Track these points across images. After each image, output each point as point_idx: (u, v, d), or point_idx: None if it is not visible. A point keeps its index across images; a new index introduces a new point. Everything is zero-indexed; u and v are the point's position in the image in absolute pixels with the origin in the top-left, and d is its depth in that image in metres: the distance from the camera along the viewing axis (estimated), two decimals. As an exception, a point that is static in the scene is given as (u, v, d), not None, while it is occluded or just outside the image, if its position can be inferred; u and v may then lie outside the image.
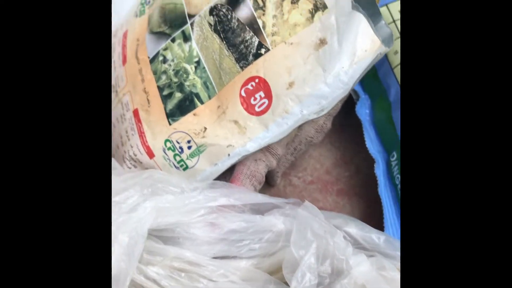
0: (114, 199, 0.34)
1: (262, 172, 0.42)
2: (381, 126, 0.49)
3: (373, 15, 0.36)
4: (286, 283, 0.38)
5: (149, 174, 0.37)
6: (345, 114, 0.50)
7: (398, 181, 0.45)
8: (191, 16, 0.43)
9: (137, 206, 0.35)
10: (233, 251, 0.39)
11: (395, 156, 0.46)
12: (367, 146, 0.47)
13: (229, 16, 0.40)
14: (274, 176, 0.48)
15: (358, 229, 0.37)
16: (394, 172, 0.46)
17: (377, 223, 0.47)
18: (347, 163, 0.53)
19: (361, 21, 0.35)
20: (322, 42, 0.36)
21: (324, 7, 0.36)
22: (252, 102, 0.39)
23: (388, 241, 0.36)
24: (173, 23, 0.44)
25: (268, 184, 0.51)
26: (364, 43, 0.35)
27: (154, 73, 0.44)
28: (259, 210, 0.41)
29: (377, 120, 0.49)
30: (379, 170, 0.46)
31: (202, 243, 0.39)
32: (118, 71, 0.49)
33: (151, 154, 0.44)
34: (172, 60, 0.43)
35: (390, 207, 0.45)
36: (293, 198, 0.41)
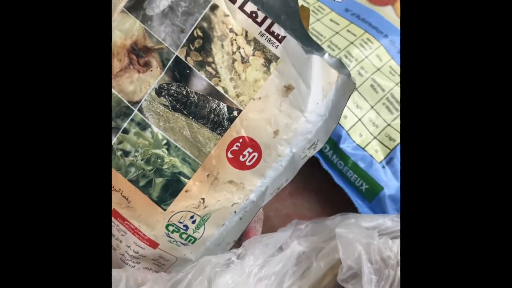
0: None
1: (262, 212, 0.47)
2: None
3: (318, 51, 0.41)
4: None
5: (206, 266, 0.39)
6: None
7: (341, 166, 0.54)
8: (132, 103, 0.43)
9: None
10: None
11: (328, 147, 0.54)
12: None
13: (184, 92, 0.42)
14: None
15: (367, 221, 0.45)
16: (334, 160, 0.54)
17: (335, 205, 0.55)
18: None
19: (318, 61, 0.40)
20: (288, 88, 0.41)
21: (276, 58, 0.41)
22: (241, 159, 0.42)
23: (394, 221, 0.45)
24: (114, 115, 0.43)
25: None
26: (326, 77, 0.41)
27: (118, 169, 0.44)
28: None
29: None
30: (326, 165, 0.54)
31: (258, 297, 0.42)
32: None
33: (154, 245, 0.45)
34: (136, 151, 0.43)
35: (352, 191, 0.53)
36: (295, 220, 0.47)
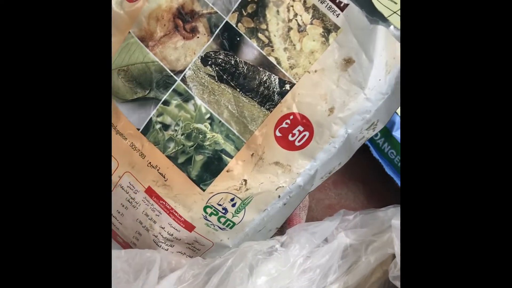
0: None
1: (308, 198, 0.43)
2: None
3: (383, 21, 0.37)
4: None
5: (248, 252, 0.35)
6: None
7: (392, 155, 0.49)
8: (175, 72, 0.39)
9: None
10: (323, 282, 0.40)
11: (379, 134, 0.50)
12: None
13: (232, 62, 0.38)
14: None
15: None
16: (385, 149, 0.50)
17: (382, 197, 0.51)
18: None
19: (383, 33, 0.36)
20: (348, 61, 0.37)
21: (336, 27, 0.37)
22: (290, 138, 0.39)
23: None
24: (155, 85, 0.40)
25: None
26: (391, 51, 0.37)
27: (156, 144, 0.40)
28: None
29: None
30: (376, 154, 0.50)
31: (300, 290, 0.39)
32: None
33: (190, 228, 0.41)
34: (177, 125, 0.40)
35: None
36: (342, 210, 0.43)
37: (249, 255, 0.34)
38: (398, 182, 0.49)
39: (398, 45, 0.37)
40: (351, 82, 0.37)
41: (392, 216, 0.40)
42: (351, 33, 0.36)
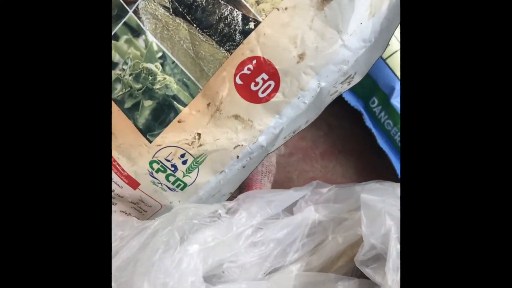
0: (154, 258, 0.27)
1: (275, 163, 0.37)
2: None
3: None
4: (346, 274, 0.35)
5: (180, 214, 0.29)
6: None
7: (389, 127, 0.42)
8: (129, 2, 0.34)
9: (182, 258, 0.28)
10: (280, 261, 0.34)
11: (376, 101, 0.43)
12: (346, 100, 0.43)
13: (190, -8, 0.32)
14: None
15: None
16: (382, 119, 0.43)
17: (375, 173, 0.44)
18: (317, 122, 0.49)
19: (370, -37, 0.29)
20: (326, -2, 0.30)
21: (314, -45, 0.30)
22: (253, 88, 0.32)
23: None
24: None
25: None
26: (378, -11, 0.30)
27: (102, 84, 0.35)
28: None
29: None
30: (370, 123, 0.43)
31: (250, 267, 0.33)
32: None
33: (134, 184, 0.36)
34: (125, 63, 0.34)
35: (397, 157, 0.42)
36: (315, 181, 0.37)
37: (179, 218, 0.28)
38: (392, 156, 0.42)
39: (388, -19, 0.30)
40: (327, 24, 0.30)
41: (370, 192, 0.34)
42: (331, -37, 0.30)
